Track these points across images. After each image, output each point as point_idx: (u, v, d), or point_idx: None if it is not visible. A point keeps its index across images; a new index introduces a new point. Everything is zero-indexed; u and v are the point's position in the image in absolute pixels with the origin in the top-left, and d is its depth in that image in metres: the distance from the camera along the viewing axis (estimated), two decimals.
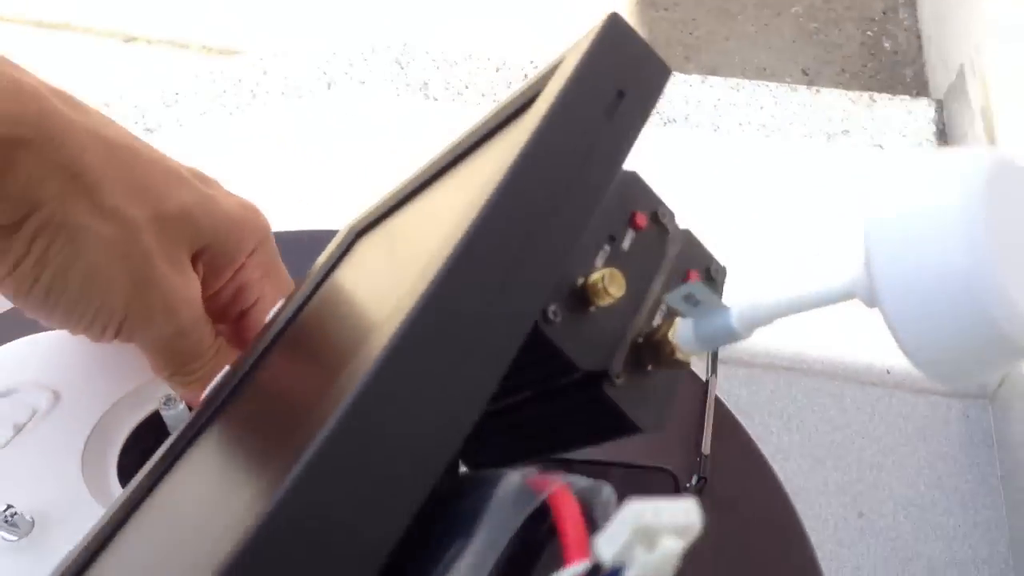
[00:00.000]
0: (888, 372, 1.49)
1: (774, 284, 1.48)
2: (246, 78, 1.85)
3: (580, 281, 0.26)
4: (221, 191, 0.40)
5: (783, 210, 1.69)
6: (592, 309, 0.26)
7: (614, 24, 0.28)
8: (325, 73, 1.87)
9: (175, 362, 0.39)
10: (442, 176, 0.35)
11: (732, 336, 0.24)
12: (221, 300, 0.42)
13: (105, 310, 0.35)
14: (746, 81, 1.94)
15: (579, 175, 0.25)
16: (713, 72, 1.98)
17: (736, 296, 0.26)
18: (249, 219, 0.40)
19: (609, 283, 0.25)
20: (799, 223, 1.67)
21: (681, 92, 1.91)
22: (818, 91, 1.93)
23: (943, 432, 1.43)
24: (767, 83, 1.94)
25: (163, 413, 0.45)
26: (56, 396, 0.47)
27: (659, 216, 0.29)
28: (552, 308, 0.25)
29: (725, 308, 0.24)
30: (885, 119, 1.87)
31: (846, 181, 1.76)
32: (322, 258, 0.42)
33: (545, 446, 0.29)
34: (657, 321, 0.28)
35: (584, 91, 0.26)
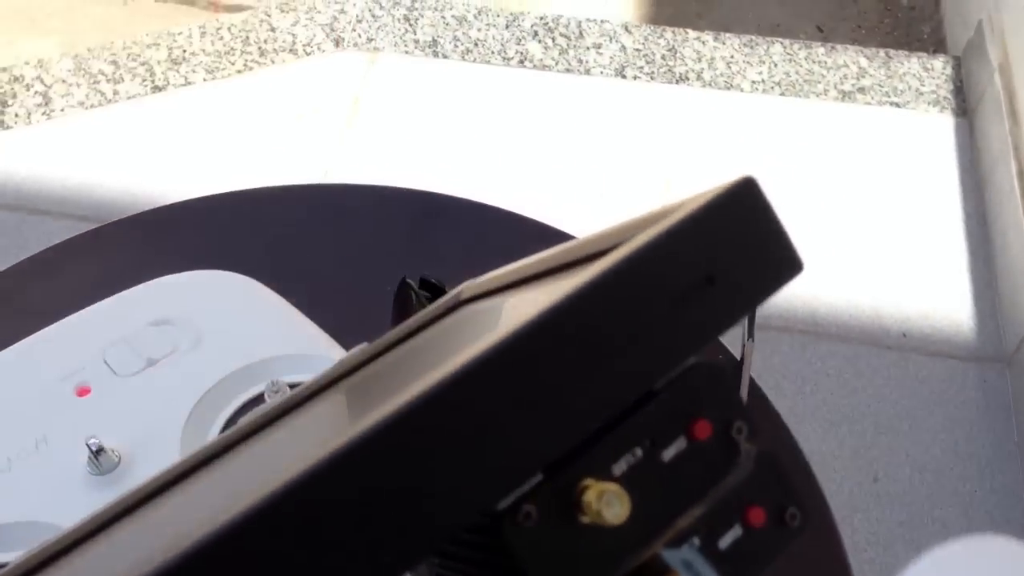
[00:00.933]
0: (904, 335, 1.48)
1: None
2: (253, 36, 1.82)
3: (583, 484, 0.21)
4: None
5: (797, 170, 1.67)
6: (583, 520, 0.21)
7: (744, 191, 0.23)
8: (333, 30, 1.84)
9: None
10: (527, 284, 0.30)
11: None
12: None
13: None
14: (760, 38, 1.91)
15: (602, 362, 0.20)
16: (726, 29, 1.95)
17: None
18: None
19: (605, 505, 0.20)
20: (814, 183, 1.65)
21: (694, 49, 1.87)
22: (833, 48, 1.90)
23: (960, 397, 1.42)
24: (781, 40, 1.91)
25: (267, 397, 0.45)
26: (198, 339, 0.47)
27: (731, 430, 0.23)
28: (527, 508, 0.20)
29: None
30: (901, 76, 1.85)
31: (862, 140, 1.74)
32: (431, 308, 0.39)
33: None
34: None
35: (652, 264, 0.21)
